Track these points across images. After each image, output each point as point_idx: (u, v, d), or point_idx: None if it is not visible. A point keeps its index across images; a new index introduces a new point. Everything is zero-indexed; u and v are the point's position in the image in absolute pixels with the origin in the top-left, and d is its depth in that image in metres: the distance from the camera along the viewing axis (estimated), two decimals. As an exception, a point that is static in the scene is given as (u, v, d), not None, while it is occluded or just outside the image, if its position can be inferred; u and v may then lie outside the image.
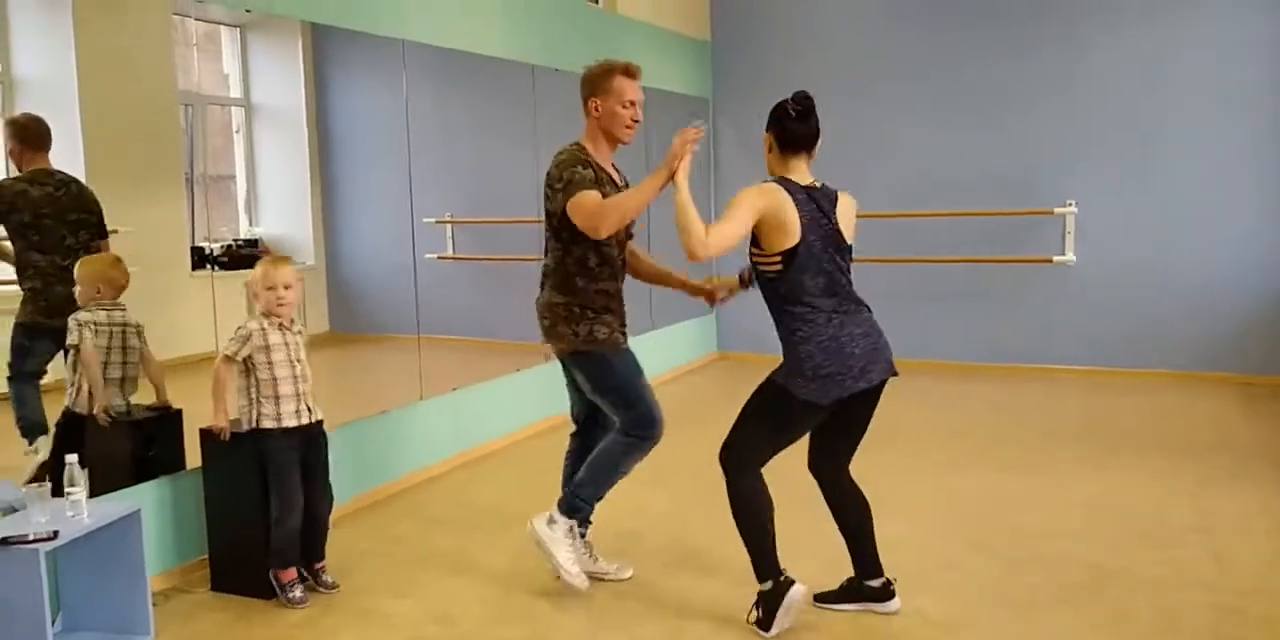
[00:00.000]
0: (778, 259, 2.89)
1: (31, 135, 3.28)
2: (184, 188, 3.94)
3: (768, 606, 2.98)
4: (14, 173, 3.33)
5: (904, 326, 7.96)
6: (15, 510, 2.92)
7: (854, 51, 7.24)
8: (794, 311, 2.92)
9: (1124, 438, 5.21)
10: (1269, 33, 6.23)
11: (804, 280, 2.90)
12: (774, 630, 2.97)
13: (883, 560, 3.15)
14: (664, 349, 7.02)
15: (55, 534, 2.72)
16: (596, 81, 3.30)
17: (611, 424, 3.33)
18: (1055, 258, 6.70)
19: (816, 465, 3.15)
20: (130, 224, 3.60)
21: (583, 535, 3.41)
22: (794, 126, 2.96)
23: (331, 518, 4.14)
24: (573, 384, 3.45)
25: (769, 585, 2.98)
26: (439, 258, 5.24)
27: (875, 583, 3.13)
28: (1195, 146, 6.46)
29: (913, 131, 7.10)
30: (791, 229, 2.86)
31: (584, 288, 3.25)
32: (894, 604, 3.12)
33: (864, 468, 4.99)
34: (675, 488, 4.44)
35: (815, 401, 2.89)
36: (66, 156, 3.45)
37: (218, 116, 4.59)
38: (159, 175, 3.77)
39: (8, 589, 2.66)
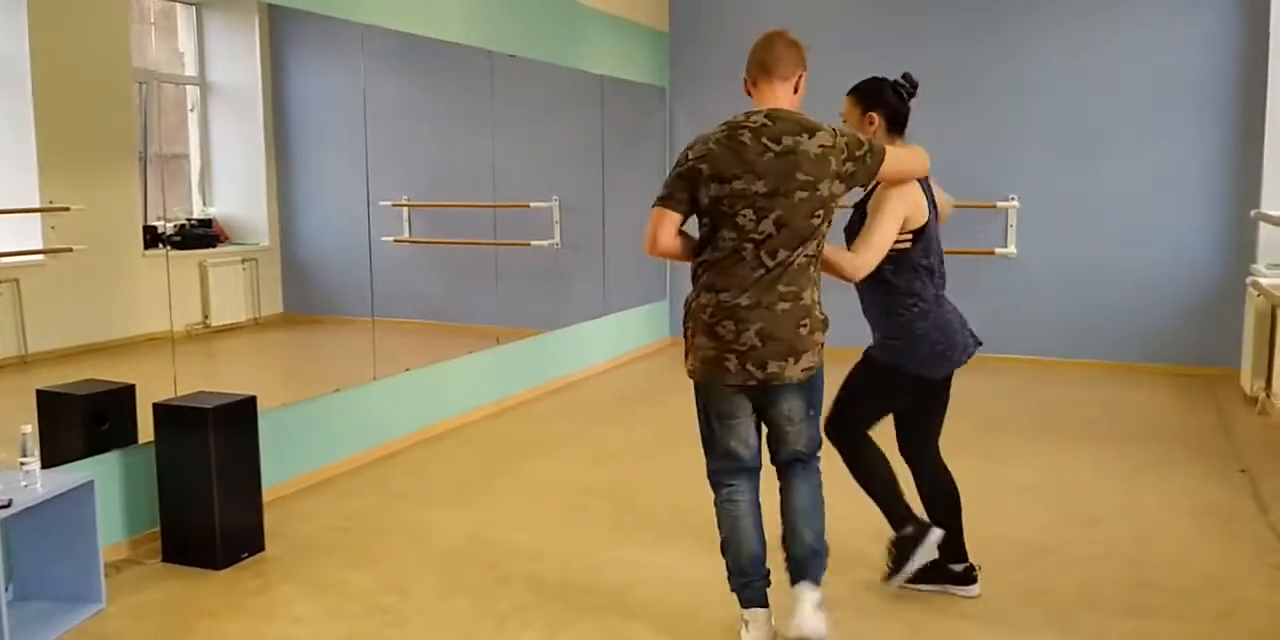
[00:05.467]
0: (909, 236, 2.91)
1: None
2: (137, 166, 3.94)
3: (901, 552, 3.01)
4: None
5: (846, 315, 8.11)
6: (-32, 481, 2.94)
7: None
8: (907, 288, 2.95)
9: (1062, 426, 5.39)
10: (1211, 29, 6.42)
11: (918, 259, 2.95)
12: (897, 579, 3.02)
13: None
14: (616, 334, 7.11)
15: (9, 503, 2.75)
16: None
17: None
18: (998, 250, 6.89)
19: (908, 449, 3.18)
20: (82, 202, 3.60)
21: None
22: (902, 107, 3.06)
23: (291, 491, 4.21)
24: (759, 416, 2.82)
25: (909, 530, 3.00)
26: (395, 240, 5.27)
27: (958, 567, 3.16)
28: (1135, 142, 6.66)
29: (864, 125, 7.23)
30: (922, 210, 2.93)
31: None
32: (975, 589, 3.16)
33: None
34: (621, 466, 4.55)
35: (928, 376, 2.99)
36: (18, 135, 3.45)
37: (172, 95, 4.57)
38: (112, 153, 3.76)
39: (-39, 557, 2.69)
